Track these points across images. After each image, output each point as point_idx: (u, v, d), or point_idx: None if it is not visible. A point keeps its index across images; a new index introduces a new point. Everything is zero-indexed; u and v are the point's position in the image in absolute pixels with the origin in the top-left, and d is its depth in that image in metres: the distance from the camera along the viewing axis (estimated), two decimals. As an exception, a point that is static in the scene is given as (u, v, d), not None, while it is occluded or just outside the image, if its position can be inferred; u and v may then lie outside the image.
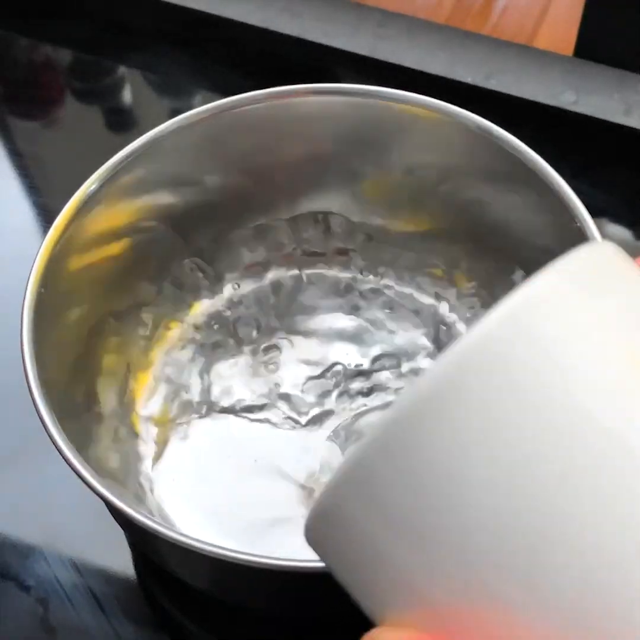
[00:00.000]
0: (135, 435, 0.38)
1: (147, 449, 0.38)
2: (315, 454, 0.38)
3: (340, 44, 0.51)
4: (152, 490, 0.37)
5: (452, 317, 0.41)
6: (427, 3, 0.56)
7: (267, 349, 0.41)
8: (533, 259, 0.38)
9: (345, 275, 0.43)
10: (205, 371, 0.40)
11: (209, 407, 0.39)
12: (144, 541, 0.33)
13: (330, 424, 0.39)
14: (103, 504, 0.30)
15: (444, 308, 0.41)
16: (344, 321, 0.42)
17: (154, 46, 0.55)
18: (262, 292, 0.42)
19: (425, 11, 0.55)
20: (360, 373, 0.40)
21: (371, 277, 0.43)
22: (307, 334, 0.42)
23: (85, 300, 0.37)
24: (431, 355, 0.40)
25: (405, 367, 0.40)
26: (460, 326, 0.41)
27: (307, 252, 0.43)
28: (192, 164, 0.40)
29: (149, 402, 0.39)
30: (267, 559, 0.27)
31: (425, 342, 0.41)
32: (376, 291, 0.42)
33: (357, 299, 0.42)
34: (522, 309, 0.16)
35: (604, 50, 0.49)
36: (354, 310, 0.42)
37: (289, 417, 0.39)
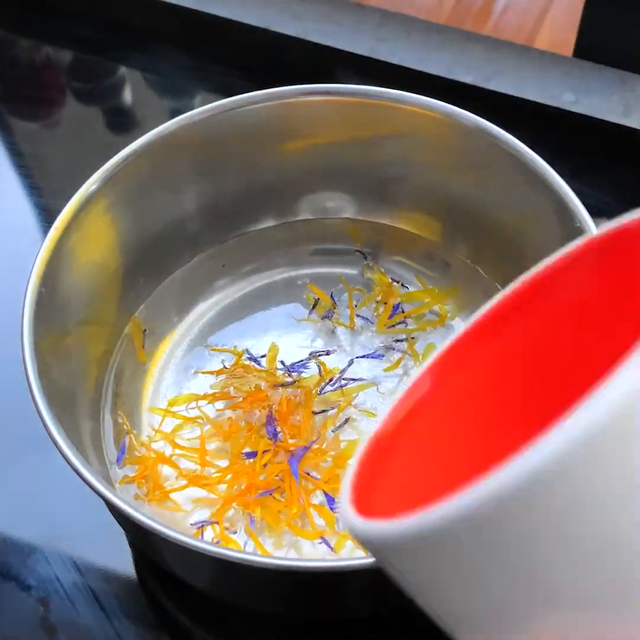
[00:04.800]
0: (138, 430, 0.38)
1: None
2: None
3: (341, 44, 0.51)
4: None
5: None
6: (427, 3, 0.56)
7: None
8: (532, 259, 0.38)
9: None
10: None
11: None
12: (144, 541, 0.33)
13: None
14: (103, 504, 0.30)
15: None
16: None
17: (154, 46, 0.55)
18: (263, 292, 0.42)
19: (425, 11, 0.55)
20: None
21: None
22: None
23: (85, 300, 0.37)
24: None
25: None
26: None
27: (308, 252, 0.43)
28: (192, 163, 0.40)
29: (151, 400, 0.39)
30: (267, 559, 0.27)
31: None
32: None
33: None
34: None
35: (604, 50, 0.49)
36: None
37: None
